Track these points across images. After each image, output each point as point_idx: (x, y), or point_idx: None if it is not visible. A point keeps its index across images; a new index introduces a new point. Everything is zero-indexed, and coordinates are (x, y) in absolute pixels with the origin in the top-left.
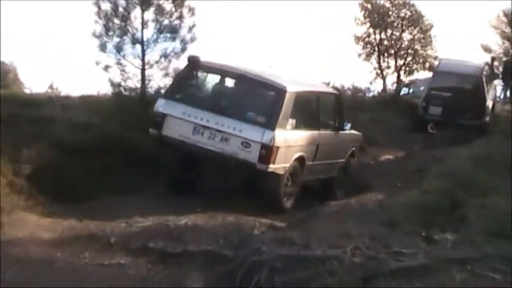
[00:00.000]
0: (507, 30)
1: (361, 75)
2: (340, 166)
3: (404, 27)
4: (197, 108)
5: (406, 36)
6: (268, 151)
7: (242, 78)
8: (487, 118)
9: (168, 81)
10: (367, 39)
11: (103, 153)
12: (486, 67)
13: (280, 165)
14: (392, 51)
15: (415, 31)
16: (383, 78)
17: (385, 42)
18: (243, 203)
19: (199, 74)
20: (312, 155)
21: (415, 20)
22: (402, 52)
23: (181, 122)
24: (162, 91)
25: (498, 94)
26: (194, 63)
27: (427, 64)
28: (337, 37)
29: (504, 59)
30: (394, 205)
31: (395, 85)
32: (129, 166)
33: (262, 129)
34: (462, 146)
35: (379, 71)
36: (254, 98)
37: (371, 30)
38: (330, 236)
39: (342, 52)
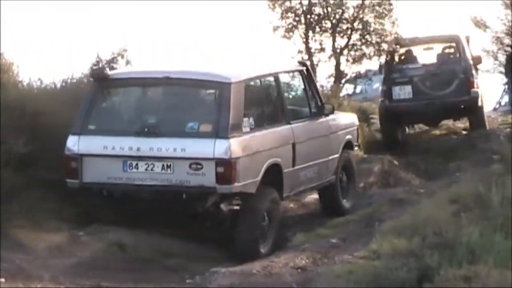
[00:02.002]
0: None
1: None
2: (335, 166)
3: None
4: (121, 136)
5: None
6: (226, 167)
7: (168, 81)
8: (477, 93)
9: None
10: (288, 3)
11: None
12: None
13: (247, 181)
14: (329, 24)
15: None
16: (313, 67)
17: (317, 9)
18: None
19: (112, 91)
20: (289, 159)
21: None
22: (345, 27)
23: (105, 160)
24: None
25: (499, 99)
26: (101, 80)
27: (385, 46)
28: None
29: (507, 41)
30: (325, 277)
31: (332, 79)
32: None
33: (211, 140)
34: (441, 179)
35: (306, 56)
36: (192, 103)
37: None
38: None
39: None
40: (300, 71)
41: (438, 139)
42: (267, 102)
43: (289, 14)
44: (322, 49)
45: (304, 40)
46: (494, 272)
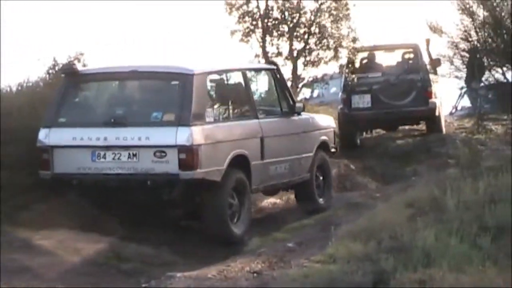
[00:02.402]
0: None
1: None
2: (309, 164)
3: None
4: (89, 127)
5: (308, 3)
6: (188, 154)
7: (135, 75)
8: (435, 103)
9: None
10: (245, 7)
11: None
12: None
13: (210, 168)
14: (286, 28)
15: None
16: None
17: (274, 13)
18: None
19: (82, 86)
20: (257, 152)
21: None
22: (302, 31)
23: (74, 151)
24: None
25: (455, 103)
26: (71, 75)
27: (342, 51)
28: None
29: (463, 46)
30: (281, 281)
31: (289, 83)
32: None
33: (173, 128)
34: (397, 183)
35: (263, 60)
36: (157, 94)
37: None
38: None
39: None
40: (271, 70)
41: (395, 143)
42: (234, 96)
43: (247, 19)
44: (279, 53)
45: (261, 44)
46: (449, 276)
